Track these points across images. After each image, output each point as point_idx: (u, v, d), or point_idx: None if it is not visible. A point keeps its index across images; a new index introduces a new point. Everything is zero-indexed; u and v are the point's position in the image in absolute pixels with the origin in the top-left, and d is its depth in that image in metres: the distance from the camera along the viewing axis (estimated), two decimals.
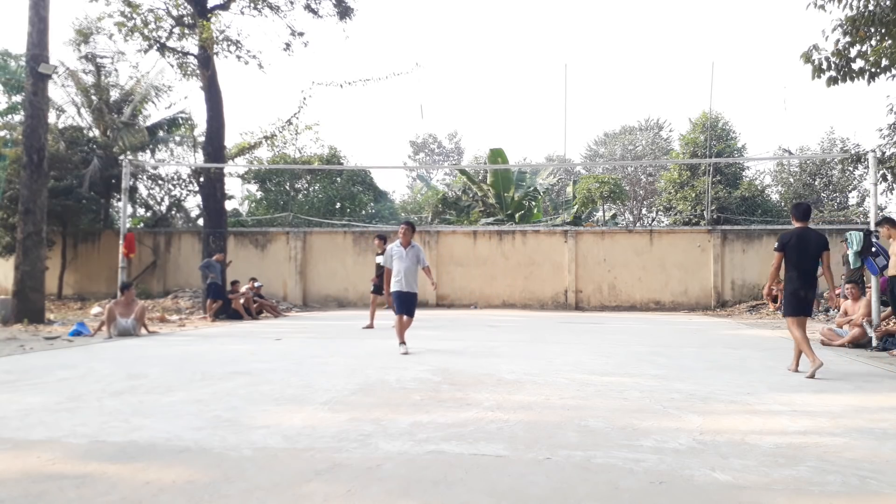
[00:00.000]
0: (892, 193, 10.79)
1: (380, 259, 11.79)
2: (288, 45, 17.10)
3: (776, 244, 6.91)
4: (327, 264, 19.83)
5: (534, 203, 25.19)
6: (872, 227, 9.46)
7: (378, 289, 12.02)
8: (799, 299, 6.68)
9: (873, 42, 8.61)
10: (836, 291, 7.05)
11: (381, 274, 11.85)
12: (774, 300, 16.99)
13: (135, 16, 15.29)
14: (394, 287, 8.28)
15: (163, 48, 16.06)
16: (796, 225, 6.81)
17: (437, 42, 79.16)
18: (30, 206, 12.35)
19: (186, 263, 20.00)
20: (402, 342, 8.22)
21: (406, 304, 8.27)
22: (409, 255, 8.28)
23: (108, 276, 19.76)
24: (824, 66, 8.73)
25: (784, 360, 7.75)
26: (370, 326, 11.94)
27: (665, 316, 16.58)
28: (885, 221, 8.60)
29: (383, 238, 11.87)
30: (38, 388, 5.71)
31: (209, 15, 15.24)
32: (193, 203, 24.13)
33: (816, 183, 26.48)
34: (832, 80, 8.82)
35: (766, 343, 9.81)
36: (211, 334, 11.10)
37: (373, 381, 6.00)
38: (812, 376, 6.35)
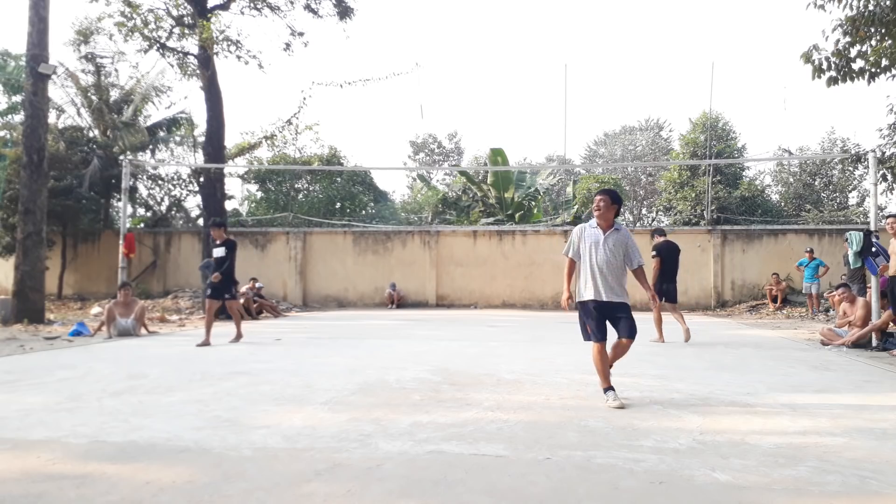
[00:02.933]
0: (892, 193, 10.81)
1: (218, 252, 9.34)
2: (288, 45, 17.11)
3: (653, 252, 9.86)
4: (327, 264, 19.82)
5: (534, 203, 25.19)
6: (872, 227, 9.46)
7: (217, 292, 9.38)
8: (666, 290, 9.93)
9: (873, 42, 8.62)
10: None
11: (225, 271, 9.22)
12: (774, 300, 17.02)
13: (135, 16, 15.30)
14: (584, 294, 5.19)
15: (163, 48, 16.06)
16: (661, 240, 10.03)
17: (437, 42, 79.18)
18: (30, 206, 12.35)
19: (186, 263, 20.00)
20: (610, 387, 5.09)
21: (616, 321, 5.13)
22: (610, 243, 5.15)
23: (108, 276, 19.76)
24: (824, 66, 8.75)
25: (785, 360, 7.77)
26: (206, 343, 9.10)
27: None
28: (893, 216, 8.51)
29: (221, 224, 9.56)
30: (38, 388, 5.71)
31: (209, 15, 15.23)
32: (193, 203, 24.14)
33: (816, 183, 26.48)
34: (832, 80, 8.83)
35: (766, 343, 9.81)
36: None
37: (373, 381, 6.00)
38: (657, 342, 9.42)
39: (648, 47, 71.74)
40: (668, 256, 9.80)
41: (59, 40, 40.51)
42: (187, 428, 4.22)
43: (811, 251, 15.94)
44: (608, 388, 5.08)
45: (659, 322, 9.67)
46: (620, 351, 5.27)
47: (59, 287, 19.42)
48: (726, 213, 22.07)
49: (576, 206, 24.52)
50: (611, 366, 5.25)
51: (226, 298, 9.63)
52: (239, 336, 9.72)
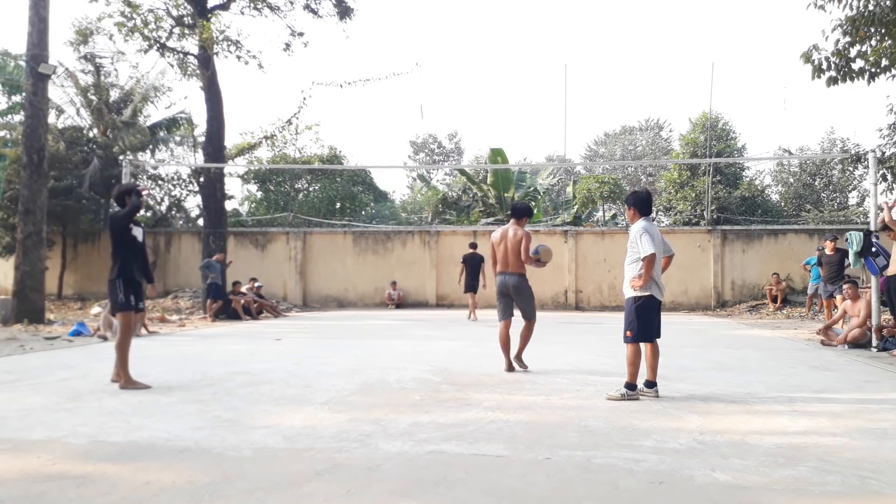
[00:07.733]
0: (892, 193, 10.80)
1: (138, 232, 6.16)
2: (288, 46, 17.10)
3: (461, 259, 14.11)
4: (327, 264, 19.81)
5: (534, 203, 25.18)
6: (872, 227, 9.45)
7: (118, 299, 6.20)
8: (467, 285, 13.96)
9: (873, 42, 8.61)
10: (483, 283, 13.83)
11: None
12: (774, 300, 17.00)
13: (135, 16, 15.28)
14: (656, 290, 5.48)
15: (163, 48, 16.05)
16: (470, 251, 13.99)
17: (437, 42, 79.15)
18: (30, 206, 12.35)
19: (186, 263, 19.98)
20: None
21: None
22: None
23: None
24: (824, 66, 8.73)
25: (785, 360, 7.78)
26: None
27: (665, 316, 16.45)
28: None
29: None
30: (38, 388, 5.71)
31: (209, 15, 15.22)
32: (193, 203, 24.11)
33: (816, 183, 26.47)
34: (832, 80, 8.81)
35: (766, 343, 9.81)
36: (211, 334, 11.10)
37: (373, 381, 6.00)
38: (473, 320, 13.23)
39: (648, 47, 71.73)
40: (469, 264, 13.86)
41: (59, 40, 40.55)
42: (187, 428, 4.22)
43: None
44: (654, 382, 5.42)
45: (474, 307, 13.83)
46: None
47: (59, 287, 19.41)
48: (726, 213, 22.06)
49: (576, 206, 24.51)
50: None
51: (139, 308, 6.45)
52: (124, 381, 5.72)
